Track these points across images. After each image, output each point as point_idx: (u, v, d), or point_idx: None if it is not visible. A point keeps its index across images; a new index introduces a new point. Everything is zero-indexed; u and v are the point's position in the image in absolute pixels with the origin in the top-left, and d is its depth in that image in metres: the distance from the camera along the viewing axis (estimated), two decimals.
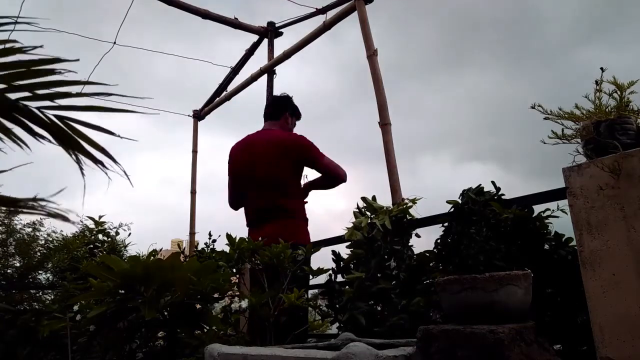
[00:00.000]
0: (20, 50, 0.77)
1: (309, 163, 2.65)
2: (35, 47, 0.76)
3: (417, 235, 2.16)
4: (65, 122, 0.84)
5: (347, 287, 2.12)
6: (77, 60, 0.79)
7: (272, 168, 2.61)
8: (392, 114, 2.69)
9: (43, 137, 0.85)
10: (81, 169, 0.85)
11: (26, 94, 0.81)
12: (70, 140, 0.84)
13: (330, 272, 2.22)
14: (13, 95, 0.81)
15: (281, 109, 2.83)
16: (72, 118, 0.84)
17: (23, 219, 3.68)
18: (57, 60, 0.78)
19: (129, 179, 0.90)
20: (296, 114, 2.91)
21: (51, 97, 0.83)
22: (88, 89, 0.86)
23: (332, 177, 2.68)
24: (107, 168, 0.86)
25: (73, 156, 0.84)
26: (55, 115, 0.83)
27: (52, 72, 0.79)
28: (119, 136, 0.87)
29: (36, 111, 0.82)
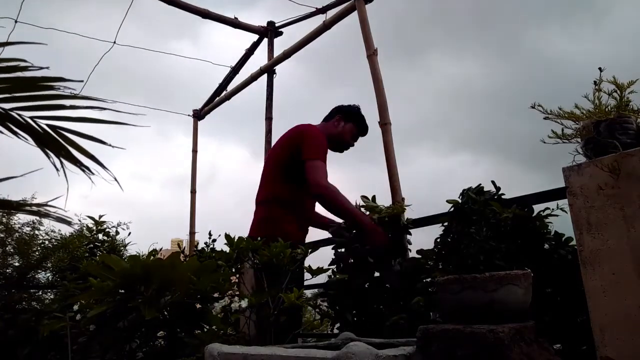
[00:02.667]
0: (26, 69, 0.80)
1: (297, 152, 2.35)
2: (41, 68, 0.80)
3: (409, 240, 2.18)
4: (57, 132, 0.88)
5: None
6: (81, 81, 0.83)
7: (271, 155, 2.59)
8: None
9: (47, 147, 0.88)
10: (65, 175, 0.88)
11: (22, 104, 0.85)
12: (58, 146, 0.88)
13: (330, 272, 2.22)
14: (8, 105, 0.85)
15: (335, 111, 2.66)
16: (64, 127, 0.89)
17: (22, 219, 3.69)
18: (61, 79, 0.82)
19: (119, 184, 0.93)
20: (352, 120, 2.61)
21: (45, 108, 0.86)
22: (86, 94, 0.90)
23: (310, 182, 2.26)
24: (93, 173, 0.90)
25: (56, 162, 0.88)
26: (48, 125, 0.88)
27: (52, 87, 0.83)
28: (110, 145, 0.91)
29: (30, 120, 0.86)
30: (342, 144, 2.64)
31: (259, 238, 2.05)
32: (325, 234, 2.72)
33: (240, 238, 2.01)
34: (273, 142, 4.00)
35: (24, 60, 0.81)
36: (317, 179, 2.26)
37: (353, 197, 2.34)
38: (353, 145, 2.68)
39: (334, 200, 2.25)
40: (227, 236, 2.01)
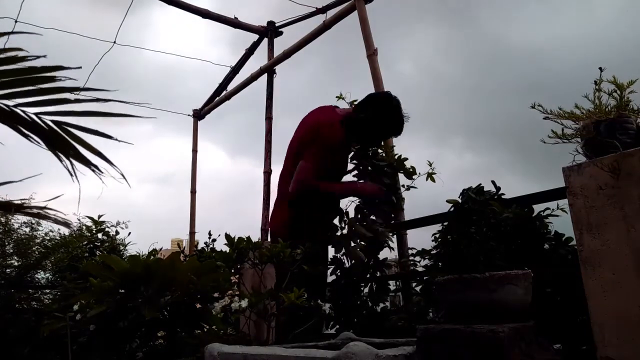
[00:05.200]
0: (24, 59, 0.79)
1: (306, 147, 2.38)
2: (38, 57, 0.79)
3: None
4: (62, 128, 0.87)
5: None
6: (80, 67, 0.82)
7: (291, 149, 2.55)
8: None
9: (55, 147, 0.87)
10: (75, 175, 0.87)
11: (25, 99, 0.84)
12: (66, 145, 0.86)
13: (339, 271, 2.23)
14: (12, 102, 0.83)
15: (369, 104, 2.42)
16: (69, 123, 0.87)
17: (20, 219, 3.68)
18: (59, 67, 0.81)
19: (127, 181, 0.91)
20: (385, 125, 2.36)
21: (49, 103, 0.85)
22: (87, 92, 0.88)
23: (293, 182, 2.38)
24: (101, 172, 0.88)
25: (66, 162, 0.86)
26: (52, 121, 0.86)
27: (52, 79, 0.81)
28: (116, 139, 0.89)
29: (35, 117, 0.84)
30: (365, 140, 2.46)
31: None
32: None
33: (240, 238, 2.00)
34: (273, 142, 4.00)
35: (21, 49, 0.80)
36: (295, 179, 2.37)
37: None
38: (376, 147, 2.52)
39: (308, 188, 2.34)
40: (227, 236, 2.00)
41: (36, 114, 0.85)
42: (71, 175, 0.86)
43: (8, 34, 0.82)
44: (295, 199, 2.36)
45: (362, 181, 2.42)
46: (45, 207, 0.87)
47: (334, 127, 2.33)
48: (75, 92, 0.85)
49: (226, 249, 2.08)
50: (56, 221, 0.92)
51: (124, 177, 0.90)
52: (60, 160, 0.86)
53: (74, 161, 0.87)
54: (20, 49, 0.80)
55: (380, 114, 2.32)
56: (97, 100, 0.85)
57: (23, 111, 0.84)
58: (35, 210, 0.89)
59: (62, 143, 0.86)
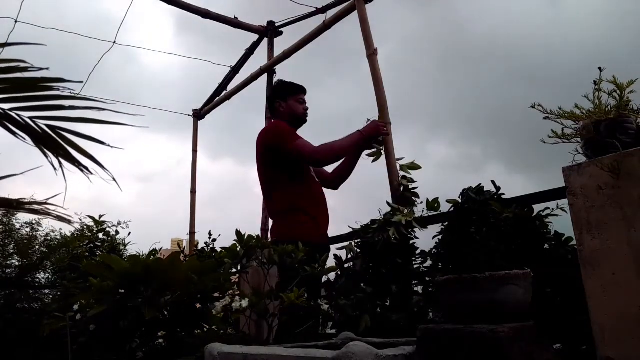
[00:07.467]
0: (25, 70, 0.80)
1: (278, 152, 2.48)
2: (41, 69, 0.80)
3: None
4: (56, 132, 0.88)
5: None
6: (81, 82, 0.84)
7: (258, 169, 2.63)
8: None
9: (46, 147, 0.88)
10: (62, 172, 0.88)
11: (21, 104, 0.85)
12: (57, 146, 0.88)
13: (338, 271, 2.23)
14: (8, 105, 0.84)
15: (272, 102, 2.78)
16: (63, 127, 0.88)
17: (21, 219, 3.69)
18: (60, 80, 0.82)
19: (117, 184, 0.92)
20: (288, 92, 2.72)
21: (45, 109, 0.86)
22: (85, 93, 0.90)
23: (306, 160, 2.47)
24: (91, 173, 0.90)
25: (55, 161, 0.88)
26: (47, 125, 0.88)
27: (51, 88, 0.83)
28: (108, 145, 0.90)
29: (29, 121, 0.86)
30: (298, 117, 2.71)
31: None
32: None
33: (250, 236, 1.98)
34: None
35: (24, 61, 0.81)
36: (307, 152, 2.41)
37: (352, 196, 2.35)
38: (306, 109, 2.74)
39: (330, 152, 2.42)
40: (237, 232, 1.98)
41: (30, 117, 0.86)
42: (55, 169, 0.87)
43: (7, 45, 0.82)
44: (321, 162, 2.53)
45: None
46: (45, 203, 0.88)
47: (276, 122, 2.66)
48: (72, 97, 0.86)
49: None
50: (57, 217, 0.93)
51: (115, 180, 0.90)
52: (46, 156, 0.88)
53: (65, 162, 0.88)
54: (22, 61, 0.81)
55: (290, 91, 2.71)
56: (91, 108, 0.86)
57: (18, 115, 0.85)
58: (35, 207, 0.90)
59: (54, 144, 0.87)
